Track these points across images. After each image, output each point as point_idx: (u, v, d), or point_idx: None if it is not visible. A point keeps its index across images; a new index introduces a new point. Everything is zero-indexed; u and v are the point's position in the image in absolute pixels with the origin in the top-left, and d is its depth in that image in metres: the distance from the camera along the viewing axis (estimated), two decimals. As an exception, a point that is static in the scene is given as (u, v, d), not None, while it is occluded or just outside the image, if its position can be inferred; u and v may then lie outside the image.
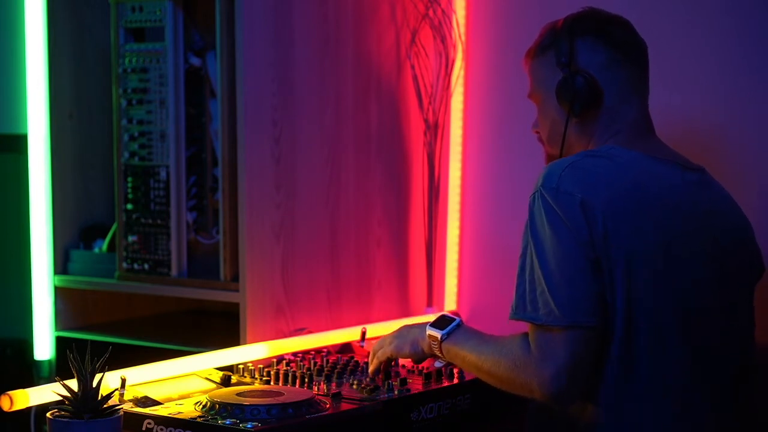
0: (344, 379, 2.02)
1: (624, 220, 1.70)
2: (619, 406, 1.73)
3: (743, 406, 1.85)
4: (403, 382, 1.98)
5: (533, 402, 1.83)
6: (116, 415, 1.62)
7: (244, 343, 2.24)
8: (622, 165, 1.76)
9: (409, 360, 2.06)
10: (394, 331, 2.00)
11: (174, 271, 2.41)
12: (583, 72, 1.83)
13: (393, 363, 2.03)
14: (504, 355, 1.74)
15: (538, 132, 1.95)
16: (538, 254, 1.69)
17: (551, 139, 1.91)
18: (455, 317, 1.88)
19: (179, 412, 1.76)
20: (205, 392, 1.90)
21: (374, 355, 2.02)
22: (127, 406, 1.79)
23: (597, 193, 1.70)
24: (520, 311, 1.71)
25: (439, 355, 1.88)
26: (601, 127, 1.85)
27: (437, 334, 1.86)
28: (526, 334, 1.72)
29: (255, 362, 2.11)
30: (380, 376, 2.01)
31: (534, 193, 1.73)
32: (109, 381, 1.76)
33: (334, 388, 1.94)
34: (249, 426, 1.69)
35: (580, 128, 1.87)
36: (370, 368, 2.02)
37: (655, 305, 1.71)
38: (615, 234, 1.69)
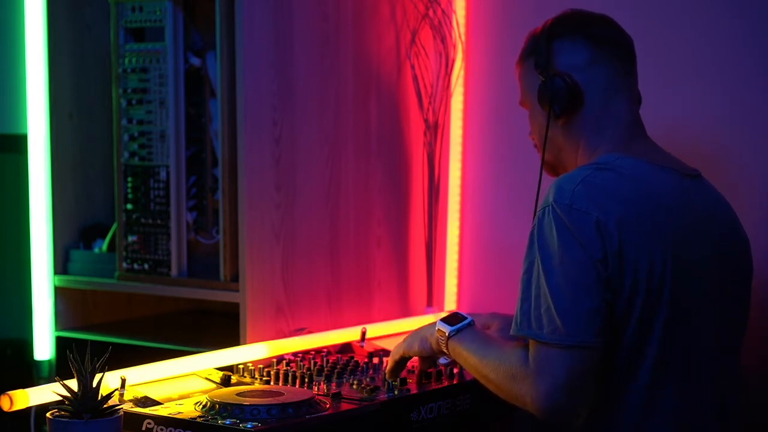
0: (344, 379, 2.02)
1: (637, 234, 1.68)
2: (615, 411, 1.73)
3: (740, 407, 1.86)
4: (403, 382, 1.98)
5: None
6: (116, 415, 1.62)
7: (244, 343, 2.24)
8: (629, 177, 1.74)
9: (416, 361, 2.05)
10: (408, 335, 2.00)
11: (174, 271, 2.41)
12: (561, 74, 1.82)
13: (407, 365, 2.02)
14: (503, 363, 1.73)
15: (534, 139, 1.95)
16: (545, 270, 1.67)
17: (542, 144, 1.90)
18: (468, 317, 1.87)
19: (179, 412, 1.76)
20: (205, 392, 1.91)
21: (391, 356, 2.02)
22: (127, 406, 1.80)
23: (611, 211, 1.68)
24: (524, 327, 1.69)
25: (446, 351, 1.87)
26: (588, 127, 1.84)
27: (446, 330, 1.85)
28: (527, 345, 1.71)
29: (255, 362, 2.12)
30: (379, 374, 2.01)
31: (544, 208, 1.71)
32: (109, 381, 1.76)
33: (334, 388, 1.94)
34: (249, 426, 1.69)
35: (567, 130, 1.86)
36: (387, 369, 2.01)
37: (670, 315, 1.71)
38: (628, 248, 1.67)
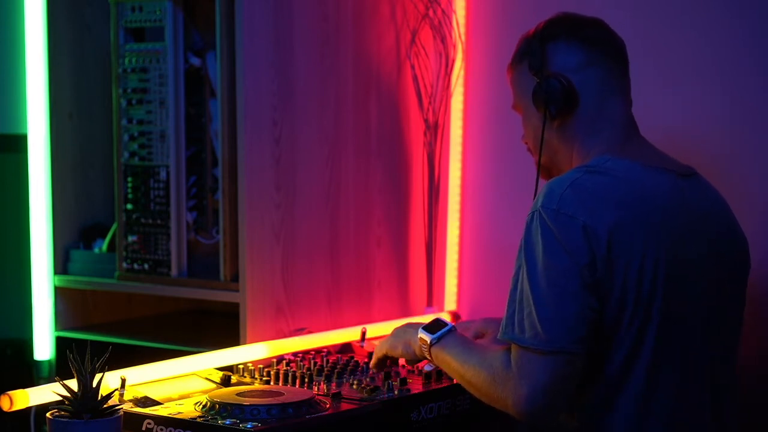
0: (344, 379, 2.02)
1: (628, 238, 1.68)
2: (611, 413, 1.73)
3: (736, 408, 1.85)
4: (403, 382, 1.98)
5: None
6: (116, 415, 1.62)
7: (244, 343, 2.24)
8: (620, 180, 1.74)
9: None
10: (395, 329, 2.01)
11: (174, 271, 2.41)
12: (556, 75, 1.82)
13: (389, 362, 2.03)
14: (485, 367, 1.74)
15: (527, 143, 1.95)
16: (529, 275, 1.68)
17: (537, 147, 1.89)
18: (449, 323, 1.89)
19: (179, 412, 1.77)
20: (205, 392, 1.91)
21: (375, 353, 2.03)
22: (127, 406, 1.80)
23: (600, 216, 1.68)
24: (508, 332, 1.70)
25: (429, 358, 1.89)
26: (583, 128, 1.84)
27: (428, 338, 1.87)
28: (509, 350, 1.72)
29: (255, 362, 2.12)
30: (379, 373, 2.01)
31: (532, 212, 1.71)
32: (109, 381, 1.76)
33: (334, 388, 1.94)
34: (249, 426, 1.69)
35: (562, 132, 1.85)
36: (371, 363, 2.03)
37: (663, 317, 1.70)
38: (618, 252, 1.67)
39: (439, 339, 1.86)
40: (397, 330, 2.00)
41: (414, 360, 1.97)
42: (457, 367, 1.81)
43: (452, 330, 1.87)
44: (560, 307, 1.66)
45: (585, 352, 1.67)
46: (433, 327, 1.88)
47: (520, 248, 1.72)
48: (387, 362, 2.02)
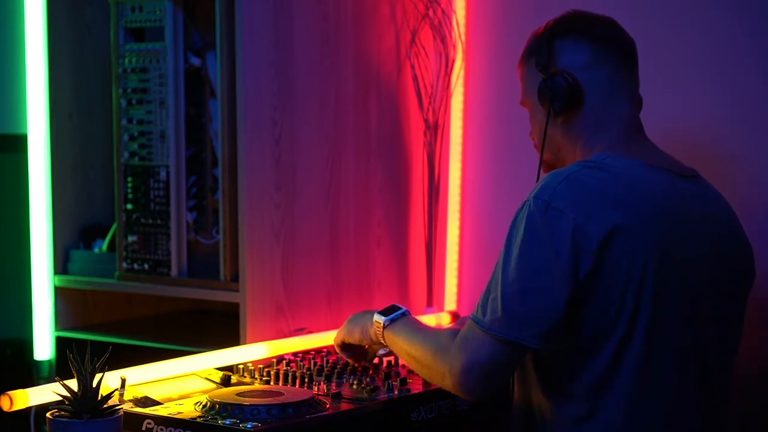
0: (344, 379, 2.02)
1: (621, 236, 1.67)
2: (599, 411, 1.73)
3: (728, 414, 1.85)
4: (403, 382, 1.98)
5: (517, 403, 1.84)
6: (116, 415, 1.62)
7: (244, 343, 2.24)
8: (618, 177, 1.73)
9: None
10: (352, 315, 2.05)
11: (174, 271, 2.41)
12: (562, 72, 1.82)
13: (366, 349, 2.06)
14: (430, 342, 1.78)
15: (534, 139, 1.95)
16: (504, 262, 1.69)
17: (542, 143, 1.90)
18: (403, 308, 1.92)
19: (179, 412, 1.76)
20: (205, 392, 1.91)
21: (335, 343, 2.07)
22: (127, 406, 1.80)
23: (593, 212, 1.67)
24: (474, 311, 1.73)
25: (382, 341, 1.92)
26: (587, 127, 1.84)
27: (381, 320, 1.91)
28: (459, 330, 1.74)
29: (255, 362, 2.12)
30: (378, 372, 2.02)
31: (525, 202, 1.72)
32: (109, 381, 1.76)
33: (334, 388, 1.94)
34: (249, 426, 1.69)
35: (567, 129, 1.85)
36: (346, 358, 2.07)
37: (652, 316, 1.70)
38: (607, 251, 1.67)
39: (392, 321, 1.90)
40: (354, 315, 2.04)
41: (370, 345, 2.01)
42: (405, 346, 1.84)
43: (406, 313, 1.91)
44: (525, 300, 1.66)
45: (541, 347, 1.68)
46: (388, 311, 1.92)
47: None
48: (358, 351, 2.05)
